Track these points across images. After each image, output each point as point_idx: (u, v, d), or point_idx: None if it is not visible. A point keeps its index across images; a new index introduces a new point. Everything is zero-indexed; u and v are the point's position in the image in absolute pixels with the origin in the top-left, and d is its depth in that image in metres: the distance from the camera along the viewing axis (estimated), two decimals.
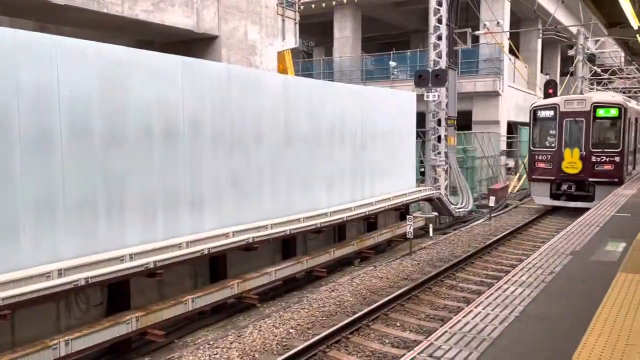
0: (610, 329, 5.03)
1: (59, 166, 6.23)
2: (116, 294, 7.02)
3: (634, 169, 18.25)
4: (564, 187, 16.36)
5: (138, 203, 7.13)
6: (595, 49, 34.19)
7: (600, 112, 16.12)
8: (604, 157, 16.00)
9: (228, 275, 8.57)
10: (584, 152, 16.10)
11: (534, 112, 17.19)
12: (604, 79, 38.87)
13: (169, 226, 7.57)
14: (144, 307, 7.03)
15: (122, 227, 6.94)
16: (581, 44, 30.32)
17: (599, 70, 36.66)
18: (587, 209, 12.04)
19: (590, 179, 16.06)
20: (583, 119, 16.13)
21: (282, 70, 17.20)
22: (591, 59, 34.66)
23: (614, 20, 12.53)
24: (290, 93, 9.92)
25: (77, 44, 6.50)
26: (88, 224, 6.55)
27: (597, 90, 36.04)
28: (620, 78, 40.11)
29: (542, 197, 17.04)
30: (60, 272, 5.99)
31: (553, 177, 16.52)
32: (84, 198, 6.49)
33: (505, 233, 13.70)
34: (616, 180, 15.76)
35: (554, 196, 16.70)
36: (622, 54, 29.75)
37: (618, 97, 18.65)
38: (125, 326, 6.59)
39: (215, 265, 8.49)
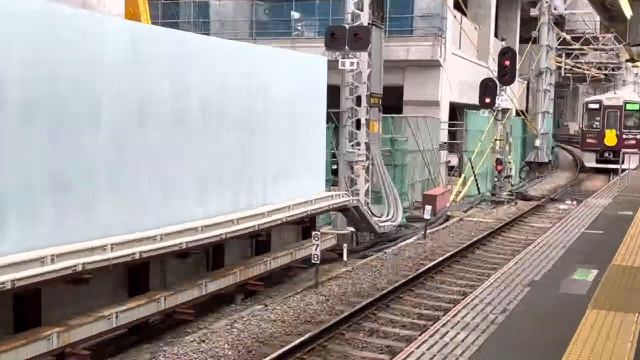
0: None
1: None
2: None
3: None
4: (605, 154, 35.78)
5: None
6: (565, 10, 36.79)
7: (629, 107, 36.57)
8: (630, 136, 36.11)
9: (44, 321, 8.19)
10: (618, 132, 36.08)
11: (586, 104, 39.29)
12: (575, 49, 41.89)
13: None
14: None
15: None
16: (547, 2, 32.53)
17: (568, 37, 39.49)
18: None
19: (622, 149, 31.67)
20: (617, 110, 36.47)
21: (132, 16, 16.70)
22: (559, 22, 37.27)
23: None
24: (143, 50, 9.69)
25: None
26: None
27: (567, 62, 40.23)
28: (595, 49, 43.38)
29: (590, 162, 37.07)
30: None
31: (598, 148, 36.55)
32: None
33: (445, 256, 14.28)
34: (636, 150, 31.79)
35: (598, 161, 36.30)
36: (598, 19, 32.21)
37: (637, 96, 40.56)
38: None
39: (21, 308, 8.09)
